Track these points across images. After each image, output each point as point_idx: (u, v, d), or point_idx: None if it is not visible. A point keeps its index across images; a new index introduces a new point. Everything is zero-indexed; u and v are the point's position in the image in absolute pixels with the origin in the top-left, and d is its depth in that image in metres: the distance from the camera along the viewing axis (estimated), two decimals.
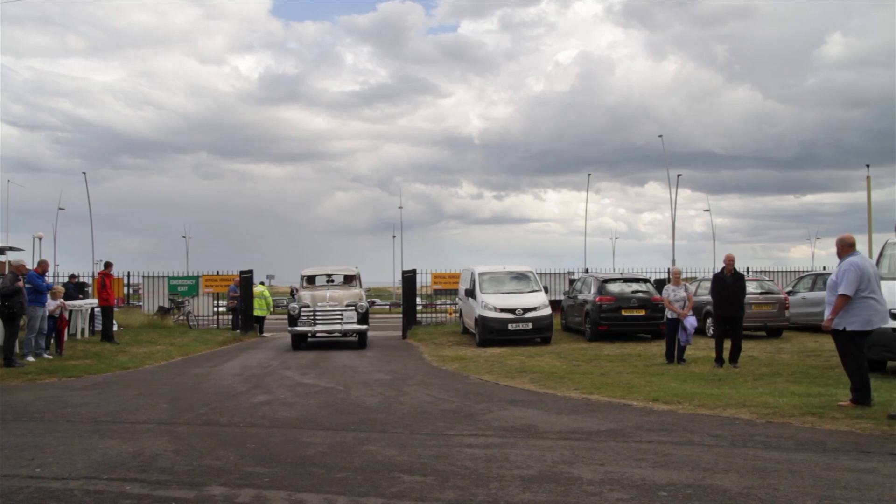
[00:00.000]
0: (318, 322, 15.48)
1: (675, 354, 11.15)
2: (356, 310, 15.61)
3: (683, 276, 21.62)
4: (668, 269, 13.28)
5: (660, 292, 17.33)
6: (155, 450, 5.49)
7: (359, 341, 16.18)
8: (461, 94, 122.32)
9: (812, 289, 16.92)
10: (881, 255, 9.94)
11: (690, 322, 11.07)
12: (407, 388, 9.03)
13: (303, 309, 15.53)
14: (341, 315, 15.53)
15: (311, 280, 18.10)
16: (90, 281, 22.51)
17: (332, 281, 18.34)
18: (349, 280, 18.43)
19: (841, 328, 6.87)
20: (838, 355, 7.12)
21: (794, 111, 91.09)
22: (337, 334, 16.13)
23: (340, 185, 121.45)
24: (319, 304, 15.55)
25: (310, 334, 16.03)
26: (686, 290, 11.61)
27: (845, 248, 7.13)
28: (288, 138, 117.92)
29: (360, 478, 4.54)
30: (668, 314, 11.34)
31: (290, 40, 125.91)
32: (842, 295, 6.80)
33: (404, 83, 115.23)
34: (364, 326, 15.72)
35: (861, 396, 6.82)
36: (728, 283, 10.84)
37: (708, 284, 16.16)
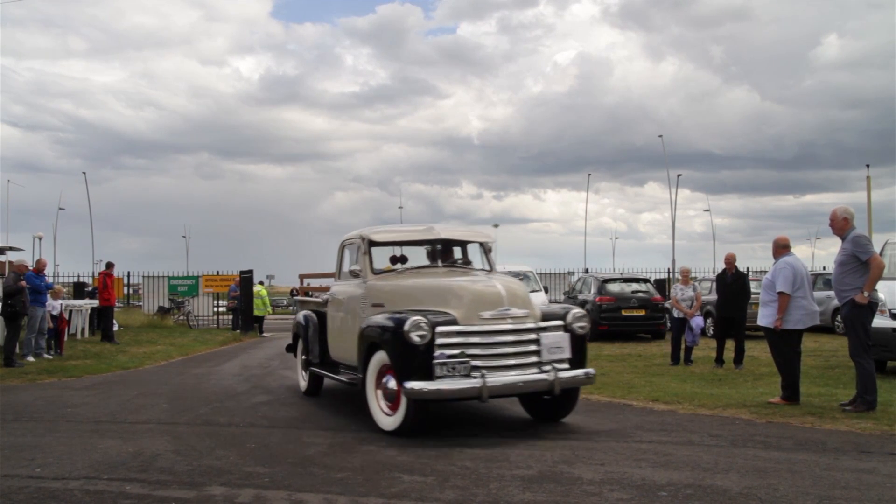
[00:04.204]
0: (490, 363, 5.69)
1: (680, 356, 11.09)
2: (568, 329, 6.16)
3: None
4: (680, 268, 12.99)
5: (660, 292, 17.35)
6: (155, 450, 5.49)
7: (558, 405, 6.40)
8: (460, 95, 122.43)
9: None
10: (881, 255, 9.95)
11: (697, 322, 11.01)
12: None
13: (442, 328, 5.66)
14: (537, 344, 5.93)
15: (381, 249, 7.55)
16: (90, 281, 22.53)
17: (437, 261, 7.55)
18: (459, 256, 7.72)
19: (773, 326, 7.10)
20: (770, 352, 7.40)
21: (793, 112, 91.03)
22: (524, 389, 5.88)
23: (340, 185, 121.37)
24: (487, 312, 5.84)
25: (481, 397, 5.57)
26: (695, 289, 11.55)
27: (780, 249, 7.38)
28: (288, 139, 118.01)
29: (360, 478, 4.54)
30: (675, 313, 11.29)
31: (291, 42, 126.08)
32: (781, 293, 7.00)
33: (404, 84, 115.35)
34: (588, 371, 6.21)
35: (791, 394, 7.00)
36: (728, 282, 10.84)
37: (707, 284, 16.19)
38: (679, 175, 44.73)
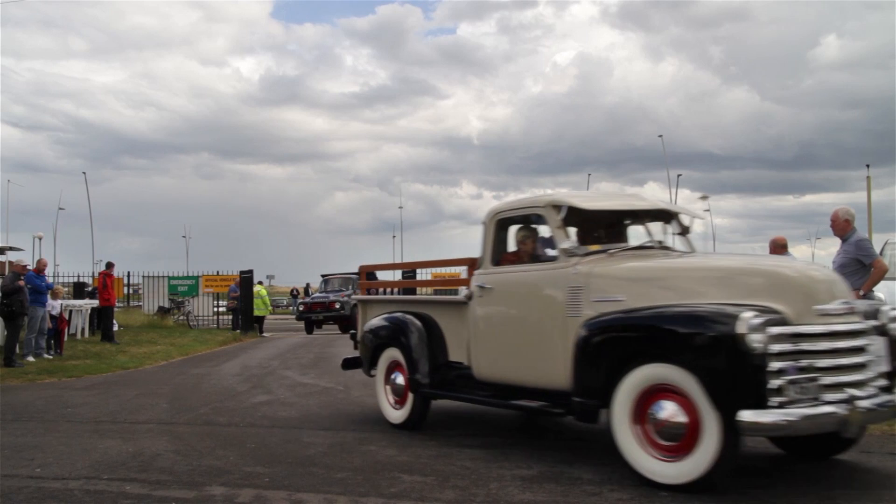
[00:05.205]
0: (835, 379, 3.92)
1: None
2: (884, 332, 4.33)
3: None
4: None
5: None
6: (155, 450, 5.49)
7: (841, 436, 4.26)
8: (460, 96, 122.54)
9: None
10: (881, 255, 9.97)
11: None
12: None
13: (777, 328, 3.84)
14: (864, 352, 4.11)
15: (588, 224, 5.45)
16: (90, 281, 22.53)
17: (621, 239, 5.57)
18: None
19: None
20: None
21: (793, 112, 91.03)
22: (886, 416, 4.25)
23: (340, 185, 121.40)
24: (821, 306, 4.06)
25: (846, 429, 3.91)
26: None
27: (777, 249, 7.43)
28: (288, 139, 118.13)
29: (360, 478, 4.54)
30: None
31: (291, 42, 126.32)
32: None
33: (404, 85, 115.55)
34: None
35: None
36: None
37: None
38: (679, 175, 44.61)
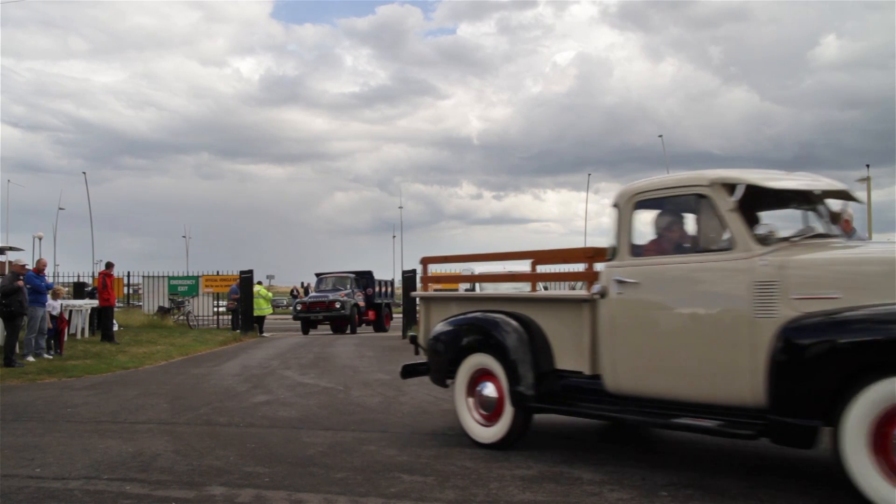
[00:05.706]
0: None
1: None
2: None
3: None
4: None
5: None
6: (155, 450, 5.49)
7: None
8: (460, 96, 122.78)
9: None
10: None
11: None
12: (407, 388, 9.02)
13: None
14: None
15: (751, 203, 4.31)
16: (90, 281, 22.54)
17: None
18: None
19: None
20: None
21: (792, 112, 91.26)
22: None
23: (340, 185, 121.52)
24: None
25: None
26: None
27: None
28: (288, 139, 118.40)
29: (360, 478, 4.55)
30: None
31: (291, 43, 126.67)
32: None
33: (404, 85, 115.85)
34: None
35: None
36: None
37: None
38: None
